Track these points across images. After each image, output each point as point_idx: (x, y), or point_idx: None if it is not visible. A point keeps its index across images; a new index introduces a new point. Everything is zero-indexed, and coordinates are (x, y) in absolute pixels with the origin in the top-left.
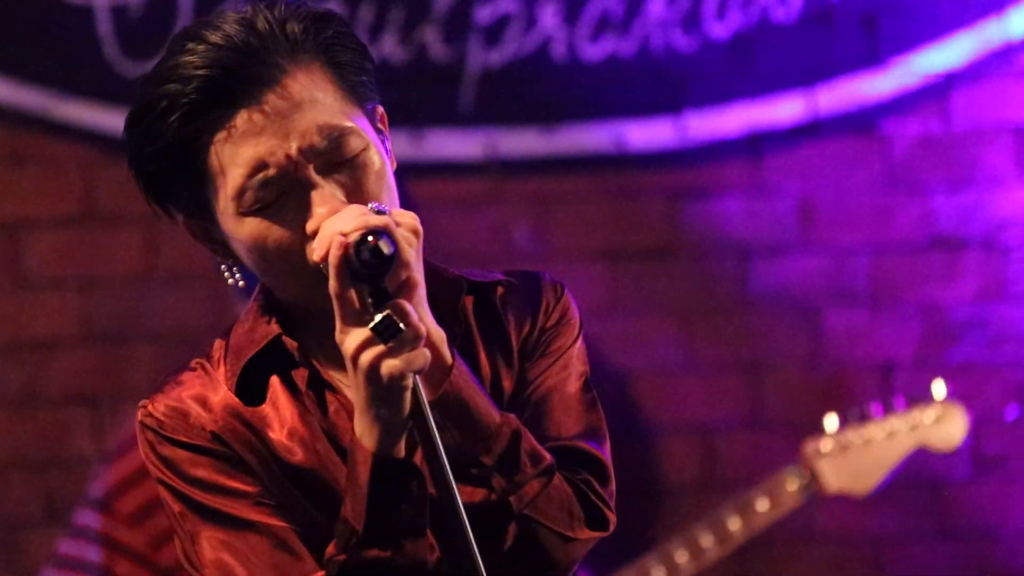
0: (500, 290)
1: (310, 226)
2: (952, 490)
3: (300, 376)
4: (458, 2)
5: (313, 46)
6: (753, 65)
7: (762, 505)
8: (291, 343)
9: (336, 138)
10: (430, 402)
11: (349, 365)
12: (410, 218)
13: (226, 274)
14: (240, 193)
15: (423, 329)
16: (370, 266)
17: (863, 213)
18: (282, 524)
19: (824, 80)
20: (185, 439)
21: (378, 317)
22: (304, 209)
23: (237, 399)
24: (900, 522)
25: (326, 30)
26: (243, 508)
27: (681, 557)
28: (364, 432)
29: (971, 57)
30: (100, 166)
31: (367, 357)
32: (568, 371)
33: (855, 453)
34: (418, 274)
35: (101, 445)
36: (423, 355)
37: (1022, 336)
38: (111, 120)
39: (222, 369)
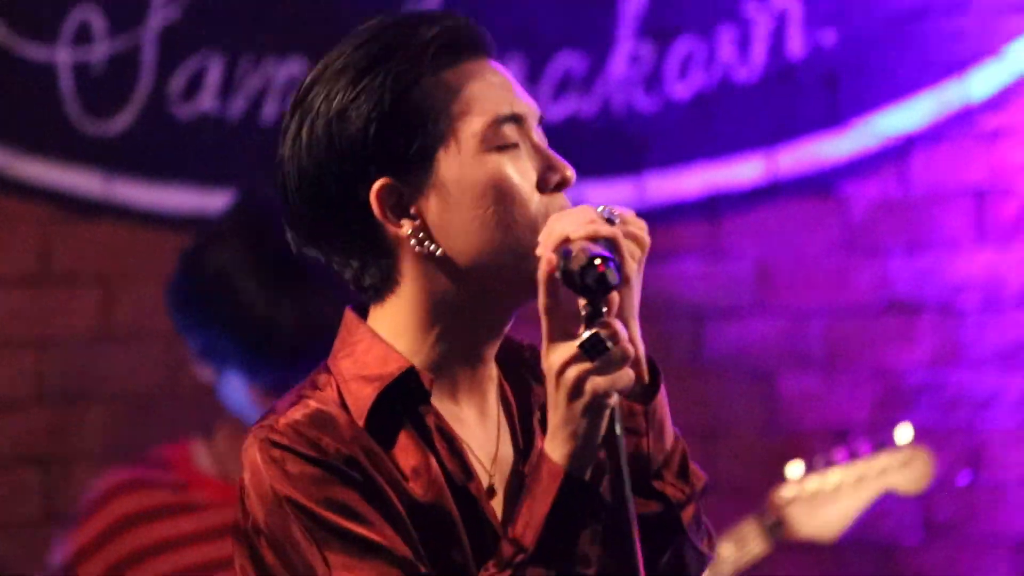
0: (527, 354)
1: (554, 174)
2: (903, 555)
3: (428, 412)
4: None
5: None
6: (714, 126)
7: (728, 552)
8: (427, 377)
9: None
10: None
11: (551, 380)
12: (639, 228)
13: (416, 245)
14: (493, 126)
15: (631, 350)
16: (592, 291)
17: (820, 276)
18: (407, 550)
19: (785, 141)
20: (317, 456)
21: (587, 335)
22: (536, 162)
23: (361, 428)
24: None
25: None
26: (370, 531)
27: None
28: (557, 448)
29: (931, 119)
30: (57, 225)
31: (572, 373)
32: None
33: (824, 498)
34: (635, 289)
35: (52, 507)
36: (628, 376)
37: (976, 401)
38: (71, 178)
39: (335, 397)
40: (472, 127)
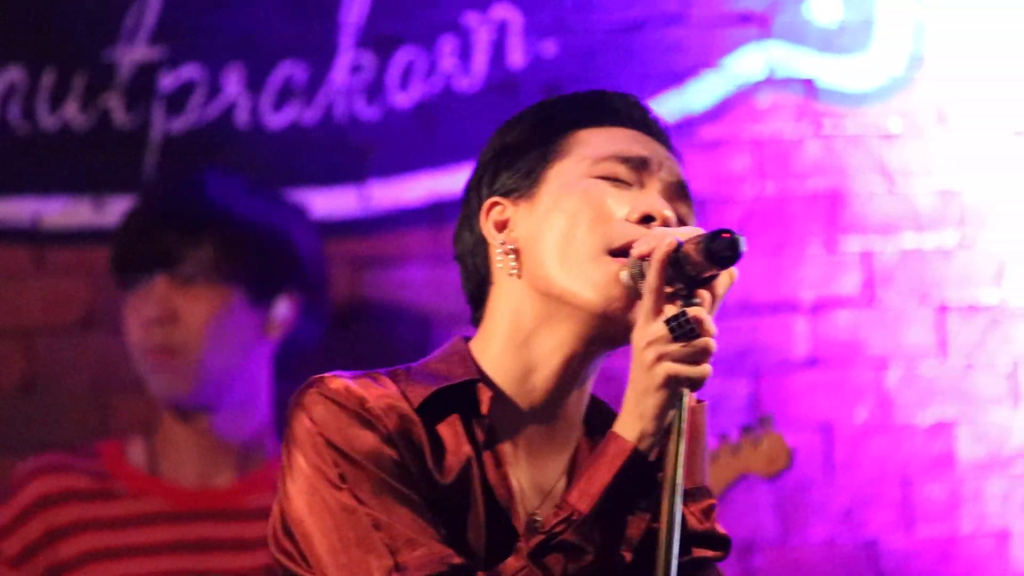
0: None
1: (644, 208)
2: None
3: (480, 426)
4: (141, 69)
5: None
6: (437, 134)
7: None
8: (486, 392)
9: (685, 195)
10: None
11: (635, 355)
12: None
13: (499, 258)
14: (609, 158)
15: (714, 345)
16: (718, 257)
17: None
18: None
19: None
20: (363, 414)
21: (675, 311)
22: (634, 204)
23: (414, 413)
24: None
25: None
26: (396, 480)
27: None
28: (626, 428)
29: None
30: None
31: (652, 352)
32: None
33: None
34: (718, 306)
35: None
36: (704, 371)
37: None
38: None
39: (397, 387)
40: (587, 151)
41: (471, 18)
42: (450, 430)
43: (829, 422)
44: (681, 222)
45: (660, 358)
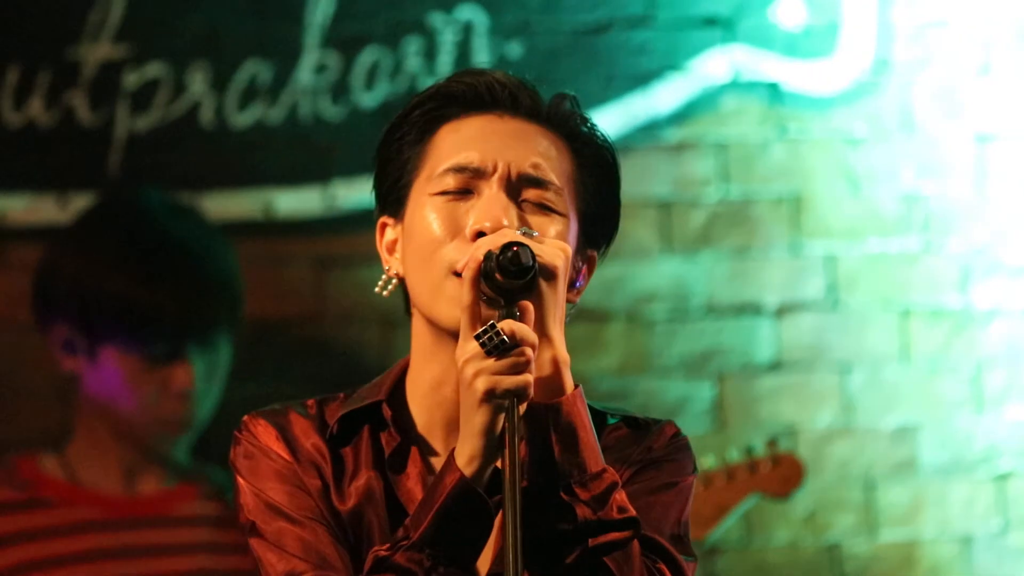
0: (619, 428)
1: (474, 224)
2: None
3: (389, 442)
4: (105, 67)
5: (578, 142)
6: None
7: None
8: (387, 412)
9: (542, 182)
10: (541, 405)
11: (459, 377)
12: (558, 248)
13: (380, 287)
14: (439, 173)
15: (529, 352)
16: (506, 272)
17: None
18: (315, 533)
19: None
20: (270, 449)
21: (482, 328)
22: (474, 214)
23: (323, 442)
24: None
25: (594, 144)
26: (285, 505)
27: None
28: (459, 448)
29: (617, 131)
30: None
31: (470, 369)
32: (660, 504)
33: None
34: (551, 304)
35: None
36: (523, 380)
37: (665, 408)
38: None
39: (318, 414)
40: (433, 163)
41: (437, 19)
42: (357, 452)
43: (793, 425)
44: (546, 208)
45: (476, 375)
